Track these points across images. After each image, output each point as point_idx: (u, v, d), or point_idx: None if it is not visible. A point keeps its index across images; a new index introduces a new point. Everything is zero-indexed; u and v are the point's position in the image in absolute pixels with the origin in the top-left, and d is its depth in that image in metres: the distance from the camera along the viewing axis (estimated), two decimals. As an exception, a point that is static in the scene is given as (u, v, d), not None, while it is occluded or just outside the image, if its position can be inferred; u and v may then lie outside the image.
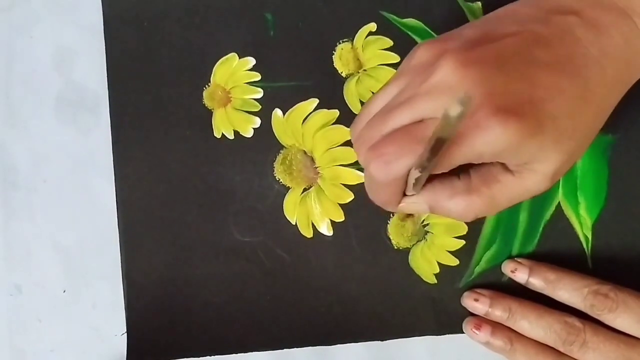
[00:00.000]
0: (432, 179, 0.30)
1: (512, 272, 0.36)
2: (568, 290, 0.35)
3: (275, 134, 0.38)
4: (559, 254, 0.37)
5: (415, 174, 0.28)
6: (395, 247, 0.37)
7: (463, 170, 0.30)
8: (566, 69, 0.28)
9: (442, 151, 0.25)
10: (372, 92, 0.37)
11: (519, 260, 0.36)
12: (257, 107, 0.38)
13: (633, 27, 0.29)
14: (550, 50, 0.28)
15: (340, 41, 0.38)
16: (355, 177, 0.37)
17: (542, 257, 0.37)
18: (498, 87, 0.27)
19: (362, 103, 0.37)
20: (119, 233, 0.38)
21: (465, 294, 0.37)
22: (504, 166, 0.29)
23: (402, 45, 0.37)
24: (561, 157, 0.28)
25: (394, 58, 0.37)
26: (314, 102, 0.37)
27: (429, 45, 0.29)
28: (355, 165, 0.37)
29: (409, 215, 0.37)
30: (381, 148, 0.28)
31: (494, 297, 0.36)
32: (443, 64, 0.27)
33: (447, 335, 0.37)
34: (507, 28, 0.28)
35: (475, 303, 0.36)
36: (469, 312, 0.37)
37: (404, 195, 0.31)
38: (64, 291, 0.39)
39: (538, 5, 0.29)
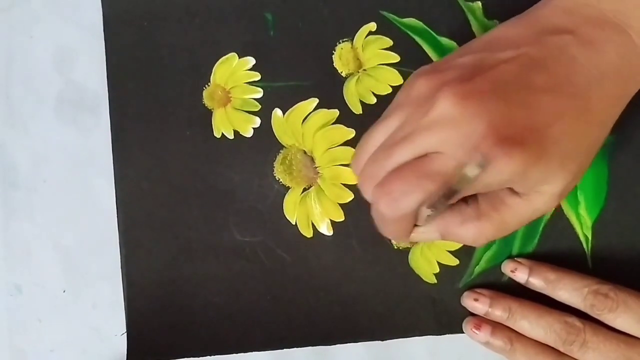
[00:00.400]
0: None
1: (512, 271, 0.36)
2: (568, 290, 0.35)
3: (275, 134, 0.38)
4: (559, 254, 0.37)
5: (426, 211, 0.29)
6: (395, 247, 0.37)
7: (471, 196, 0.31)
8: (565, 91, 0.28)
9: (455, 198, 0.26)
10: (372, 92, 0.37)
11: (519, 260, 0.36)
12: (257, 107, 0.38)
13: (629, 42, 0.29)
14: (547, 73, 0.28)
15: (340, 41, 0.38)
16: (355, 176, 0.37)
17: (542, 257, 0.37)
18: (499, 117, 0.27)
19: (362, 103, 0.37)
20: (119, 233, 0.38)
21: (465, 293, 0.37)
22: (511, 190, 0.30)
23: (402, 45, 0.37)
24: (567, 176, 0.29)
25: (394, 58, 0.37)
26: (314, 101, 0.37)
27: (426, 76, 0.29)
28: (355, 165, 0.37)
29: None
30: (388, 185, 0.28)
31: (494, 297, 0.36)
32: (442, 98, 0.27)
33: (447, 336, 0.37)
34: (502, 54, 0.28)
35: (475, 303, 0.36)
36: (469, 312, 0.37)
37: (415, 225, 0.32)
38: (64, 291, 0.39)
39: (530, 25, 0.29)
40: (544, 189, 0.29)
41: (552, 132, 0.27)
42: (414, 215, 0.30)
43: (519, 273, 0.36)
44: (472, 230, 0.30)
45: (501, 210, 0.30)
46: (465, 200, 0.31)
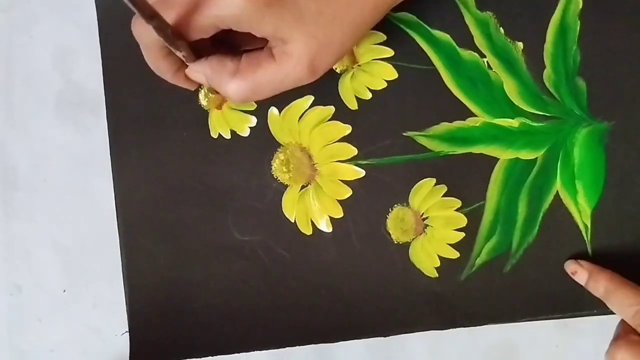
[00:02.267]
0: (215, 53, 0.32)
1: (572, 274, 0.36)
2: (618, 304, 0.34)
3: (272, 133, 0.38)
4: (559, 243, 0.37)
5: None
6: (395, 242, 0.37)
7: (236, 55, 0.32)
8: None
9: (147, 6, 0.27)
10: (368, 87, 0.38)
11: (581, 262, 0.36)
12: (253, 106, 0.38)
13: None
14: None
15: (334, 37, 0.38)
16: (353, 172, 0.38)
17: (543, 247, 0.37)
18: None
19: (357, 98, 0.38)
20: (119, 235, 0.38)
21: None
22: (269, 53, 0.31)
23: (396, 39, 0.37)
24: (308, 40, 0.30)
25: (388, 52, 0.37)
26: (310, 99, 0.38)
27: None
28: (353, 160, 0.38)
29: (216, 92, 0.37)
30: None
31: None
32: None
33: (447, 335, 0.37)
34: None
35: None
36: (472, 305, 0.37)
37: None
38: (64, 291, 0.39)
39: None
40: (289, 48, 0.30)
41: None
42: (164, 52, 0.32)
43: (579, 276, 0.36)
44: (228, 83, 0.31)
45: (256, 71, 0.31)
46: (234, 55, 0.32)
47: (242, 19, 0.29)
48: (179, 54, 0.32)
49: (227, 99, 0.33)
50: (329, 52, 0.31)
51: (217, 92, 0.38)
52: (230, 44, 0.33)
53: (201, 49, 0.32)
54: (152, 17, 0.28)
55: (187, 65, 0.33)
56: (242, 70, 0.32)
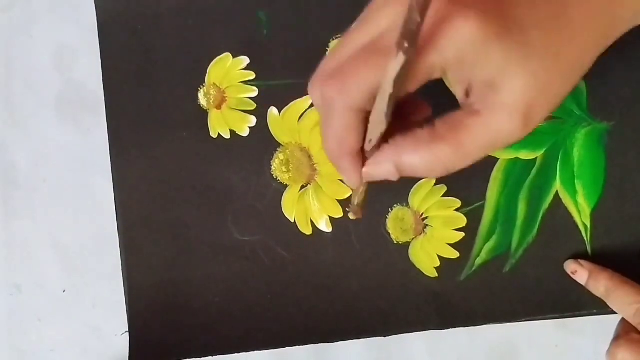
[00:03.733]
0: (393, 134, 0.27)
1: (573, 273, 0.36)
2: (618, 303, 0.34)
3: (272, 132, 0.38)
4: (558, 243, 0.37)
5: (376, 114, 0.25)
6: (395, 242, 0.37)
7: (427, 123, 0.27)
8: None
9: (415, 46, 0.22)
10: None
11: (581, 262, 0.36)
12: (253, 106, 0.38)
13: None
14: None
15: (333, 37, 0.38)
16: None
17: (542, 247, 0.37)
18: None
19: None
20: (119, 235, 0.38)
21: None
22: (469, 111, 0.26)
23: (395, 40, 0.37)
24: (528, 82, 0.24)
25: (387, 52, 0.37)
26: (309, 99, 0.38)
27: None
28: (353, 161, 0.38)
29: (363, 205, 0.32)
30: (338, 69, 0.25)
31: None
32: None
33: (447, 335, 0.37)
34: None
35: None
36: (472, 305, 0.37)
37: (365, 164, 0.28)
38: (64, 291, 0.39)
39: None
40: (501, 100, 0.25)
41: (518, 13, 0.24)
42: (363, 123, 0.26)
43: (579, 276, 0.36)
44: (427, 155, 0.26)
45: (459, 131, 0.25)
46: (420, 125, 0.27)
47: (469, 55, 0.24)
48: (383, 126, 0.25)
49: (424, 175, 0.27)
50: (546, 98, 0.25)
51: (218, 93, 0.38)
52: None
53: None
54: (412, 44, 0.22)
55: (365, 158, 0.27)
56: (440, 134, 0.26)
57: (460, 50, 0.24)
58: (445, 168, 0.26)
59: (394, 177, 0.27)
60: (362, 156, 0.28)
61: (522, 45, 0.24)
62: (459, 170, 0.27)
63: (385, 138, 0.27)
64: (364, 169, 0.28)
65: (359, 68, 0.24)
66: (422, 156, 0.26)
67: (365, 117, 0.26)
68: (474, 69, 0.25)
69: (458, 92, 0.26)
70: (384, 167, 0.27)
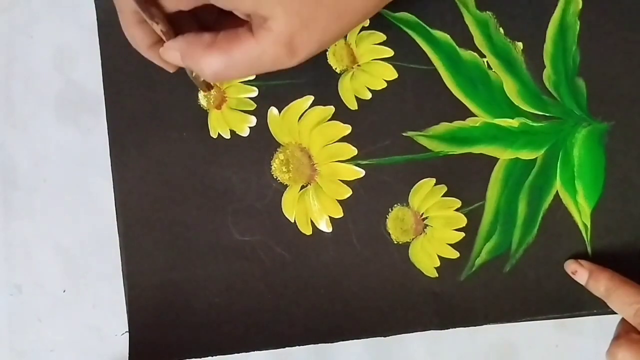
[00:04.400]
0: (192, 27, 0.31)
1: (573, 273, 0.36)
2: (618, 303, 0.34)
3: (272, 132, 0.38)
4: (558, 243, 0.37)
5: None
6: (395, 242, 0.37)
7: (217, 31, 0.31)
8: None
9: None
10: (367, 87, 0.38)
11: (581, 262, 0.36)
12: (253, 106, 0.38)
13: None
14: None
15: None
16: (353, 172, 0.38)
17: (543, 247, 0.37)
18: None
19: (357, 98, 0.38)
20: (119, 235, 0.38)
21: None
22: (248, 28, 0.29)
23: (396, 39, 0.37)
24: (290, 18, 0.28)
25: (388, 52, 0.37)
26: (309, 99, 0.38)
27: None
28: (353, 160, 0.38)
29: (209, 88, 0.36)
30: None
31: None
32: None
33: (447, 336, 0.37)
34: None
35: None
36: (472, 305, 0.37)
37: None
38: (64, 291, 0.39)
39: None
40: (269, 24, 0.28)
41: None
42: (138, 18, 0.30)
43: (579, 276, 0.36)
44: (202, 57, 0.29)
45: (232, 44, 0.29)
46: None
47: None
48: (156, 28, 0.30)
49: (201, 75, 0.31)
50: (311, 34, 0.29)
51: (218, 93, 0.38)
52: (216, 29, 0.31)
53: (185, 31, 0.31)
54: None
55: (164, 43, 0.31)
56: (218, 43, 0.30)
57: None
58: (213, 72, 0.30)
59: (181, 65, 0.31)
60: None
61: None
62: (227, 79, 0.31)
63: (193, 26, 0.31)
64: (160, 49, 0.31)
65: None
66: (199, 56, 0.30)
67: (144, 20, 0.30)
68: (233, 3, 0.29)
69: (240, 14, 0.30)
70: (171, 53, 0.31)
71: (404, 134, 0.37)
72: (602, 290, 0.35)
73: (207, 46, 0.30)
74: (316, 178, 0.38)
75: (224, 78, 0.31)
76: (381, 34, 0.37)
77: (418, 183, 0.37)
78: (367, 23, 0.38)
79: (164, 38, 0.31)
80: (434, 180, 0.37)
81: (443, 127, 0.37)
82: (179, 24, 0.31)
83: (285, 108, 0.38)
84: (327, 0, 0.29)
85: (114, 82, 0.38)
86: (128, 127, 0.38)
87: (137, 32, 0.31)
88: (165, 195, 0.38)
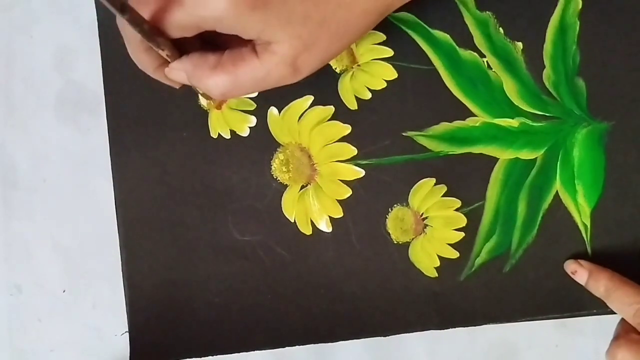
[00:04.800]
0: (196, 50, 0.32)
1: (572, 273, 0.36)
2: (618, 303, 0.34)
3: (272, 132, 0.38)
4: (558, 243, 0.37)
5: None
6: (395, 242, 0.37)
7: (222, 50, 0.32)
8: None
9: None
10: (367, 87, 0.38)
11: (581, 262, 0.36)
12: (253, 106, 0.38)
13: None
14: None
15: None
16: (352, 172, 0.38)
17: (542, 247, 0.37)
18: None
19: (357, 98, 0.38)
20: (119, 235, 0.38)
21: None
22: (252, 48, 0.31)
23: (395, 39, 0.37)
24: (293, 41, 0.29)
25: (388, 52, 0.37)
26: (309, 99, 0.38)
27: None
28: (353, 160, 0.38)
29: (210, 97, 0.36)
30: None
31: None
32: None
33: (447, 335, 0.37)
34: None
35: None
36: (472, 305, 0.37)
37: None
38: (64, 291, 0.39)
39: None
40: (274, 48, 0.30)
41: None
42: (145, 45, 0.31)
43: (579, 276, 0.36)
44: (208, 77, 0.31)
45: (238, 64, 0.30)
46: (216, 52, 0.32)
47: (225, 22, 0.29)
48: (162, 53, 0.31)
49: (208, 94, 0.32)
50: (313, 54, 0.30)
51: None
52: (220, 46, 0.33)
53: (190, 51, 0.32)
54: (123, 10, 0.27)
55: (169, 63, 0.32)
56: (223, 63, 0.31)
57: (217, 17, 0.28)
58: (221, 92, 0.31)
59: (187, 83, 0.32)
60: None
61: (283, 14, 0.29)
62: (233, 97, 0.32)
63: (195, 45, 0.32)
64: (165, 69, 0.32)
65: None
66: (205, 77, 0.31)
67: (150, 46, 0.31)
68: (237, 30, 0.29)
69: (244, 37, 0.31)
70: (177, 73, 0.32)
71: (403, 134, 0.37)
72: (602, 290, 0.35)
73: (213, 67, 0.31)
74: (316, 178, 0.38)
75: (230, 97, 0.32)
76: (381, 34, 0.37)
77: (418, 183, 0.37)
78: (367, 23, 0.38)
79: (169, 60, 0.32)
80: (433, 180, 0.37)
81: (443, 127, 0.37)
82: (182, 42, 0.31)
83: (285, 108, 0.38)
84: (328, 23, 0.30)
85: (114, 82, 0.38)
86: (128, 127, 0.38)
87: (144, 58, 0.32)
88: (165, 195, 0.38)
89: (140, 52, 0.32)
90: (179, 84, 0.33)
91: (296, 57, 0.30)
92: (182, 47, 0.31)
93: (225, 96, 0.32)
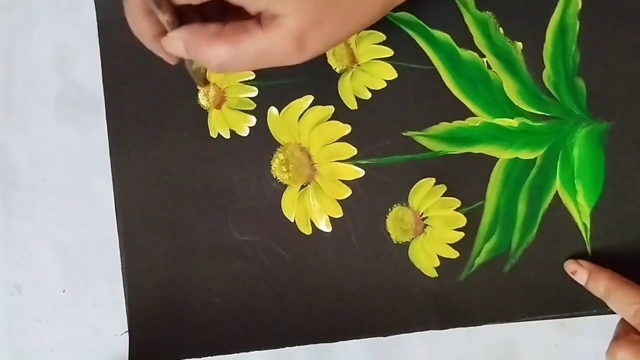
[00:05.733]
0: (196, 20, 0.31)
1: (572, 273, 0.36)
2: (618, 304, 0.34)
3: (272, 132, 0.38)
4: (558, 243, 0.37)
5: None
6: (395, 242, 0.37)
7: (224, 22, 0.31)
8: None
9: None
10: (367, 87, 0.38)
11: (581, 262, 0.36)
12: (253, 106, 0.38)
13: None
14: None
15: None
16: (352, 172, 0.38)
17: (542, 247, 0.37)
18: None
19: (357, 98, 0.38)
20: (119, 235, 0.38)
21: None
22: (257, 20, 0.29)
23: (396, 39, 0.37)
24: (301, 15, 0.29)
25: (388, 52, 0.37)
26: (309, 99, 0.38)
27: None
28: (353, 160, 0.38)
29: (206, 83, 0.36)
30: None
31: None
32: None
33: (447, 335, 0.37)
34: None
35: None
36: (472, 305, 0.37)
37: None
38: (64, 291, 0.39)
39: None
40: (280, 21, 0.29)
41: None
42: (145, 8, 0.30)
43: (579, 276, 0.36)
44: (208, 48, 0.29)
45: (240, 35, 0.29)
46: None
47: None
48: (162, 17, 0.29)
49: (206, 65, 0.31)
50: (320, 33, 0.30)
51: (217, 92, 0.38)
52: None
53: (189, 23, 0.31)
54: None
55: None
56: (225, 34, 0.29)
57: None
58: (220, 64, 0.30)
59: (185, 55, 0.31)
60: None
61: None
62: (232, 71, 0.31)
63: (196, 19, 0.30)
64: (162, 39, 0.31)
65: None
66: (204, 47, 0.30)
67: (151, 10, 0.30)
68: (244, 0, 0.28)
69: (250, 10, 0.30)
70: (174, 43, 0.30)
71: (403, 134, 0.37)
72: (602, 290, 0.35)
73: (213, 36, 0.30)
74: (316, 178, 0.38)
75: (229, 69, 0.30)
76: (381, 33, 0.37)
77: (418, 183, 0.37)
78: (367, 23, 0.38)
79: (168, 28, 0.30)
80: (433, 180, 0.37)
81: (443, 127, 0.37)
82: (183, 17, 0.30)
83: (285, 108, 0.38)
84: (338, 4, 0.29)
85: (114, 82, 0.38)
86: (128, 127, 0.38)
87: (142, 23, 0.31)
88: (165, 194, 0.38)
89: (139, 16, 0.30)
90: (175, 59, 0.32)
91: (303, 33, 0.29)
92: (182, 20, 0.30)
93: (224, 68, 0.30)
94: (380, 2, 0.31)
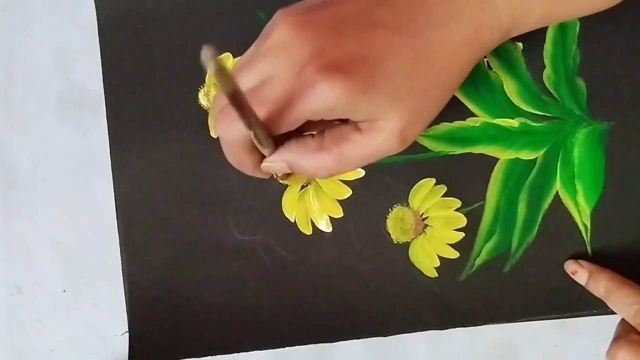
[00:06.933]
0: (290, 139, 0.31)
1: (573, 273, 0.36)
2: (618, 304, 0.34)
3: (272, 132, 0.38)
4: (558, 243, 0.37)
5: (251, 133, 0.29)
6: (395, 242, 0.37)
7: (319, 132, 0.31)
8: (404, 29, 0.29)
9: (244, 103, 0.25)
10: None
11: (581, 262, 0.36)
12: (253, 106, 0.38)
13: (491, 3, 0.30)
14: (392, 10, 0.29)
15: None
16: (352, 173, 0.38)
17: (542, 247, 0.37)
18: (329, 46, 0.28)
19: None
20: (119, 235, 0.38)
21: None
22: (355, 126, 0.30)
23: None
24: (402, 114, 0.29)
25: (387, 52, 0.37)
26: (310, 99, 0.38)
27: (277, 13, 0.30)
28: (353, 161, 0.38)
29: (289, 175, 0.36)
30: (227, 109, 0.28)
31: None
32: (279, 25, 0.28)
33: (447, 335, 0.37)
34: None
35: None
36: (472, 305, 0.37)
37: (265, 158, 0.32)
38: (64, 291, 0.39)
39: None
40: (380, 125, 0.29)
41: (384, 67, 0.28)
42: (250, 140, 0.30)
43: (579, 276, 0.36)
44: (313, 161, 0.30)
45: (342, 145, 0.30)
46: (312, 135, 0.31)
47: (337, 110, 0.28)
48: (265, 151, 0.30)
49: (314, 177, 0.32)
50: (419, 122, 0.30)
51: (217, 92, 0.38)
52: (308, 127, 0.31)
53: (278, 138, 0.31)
54: (250, 122, 0.26)
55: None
56: (326, 146, 0.30)
57: (328, 108, 0.28)
58: (328, 173, 0.30)
59: (288, 171, 0.32)
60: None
61: (391, 92, 0.28)
62: (338, 173, 0.31)
63: (282, 141, 0.31)
64: (262, 164, 0.32)
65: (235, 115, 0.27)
66: (309, 161, 0.30)
67: (249, 140, 0.30)
68: (347, 115, 0.29)
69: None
70: (278, 165, 0.31)
71: (404, 134, 0.37)
72: (602, 290, 0.35)
73: (315, 151, 0.30)
74: (316, 178, 0.38)
75: (336, 175, 0.31)
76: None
77: (418, 183, 0.37)
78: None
79: (267, 155, 0.31)
80: (434, 180, 0.37)
81: (443, 127, 0.37)
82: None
83: (285, 108, 0.38)
84: (433, 91, 0.30)
85: (114, 82, 0.38)
86: (128, 127, 0.38)
87: (246, 160, 0.31)
88: (166, 194, 0.38)
89: (244, 155, 0.31)
90: (269, 175, 0.33)
91: (404, 129, 0.29)
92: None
93: (332, 175, 0.31)
94: (467, 71, 0.31)
